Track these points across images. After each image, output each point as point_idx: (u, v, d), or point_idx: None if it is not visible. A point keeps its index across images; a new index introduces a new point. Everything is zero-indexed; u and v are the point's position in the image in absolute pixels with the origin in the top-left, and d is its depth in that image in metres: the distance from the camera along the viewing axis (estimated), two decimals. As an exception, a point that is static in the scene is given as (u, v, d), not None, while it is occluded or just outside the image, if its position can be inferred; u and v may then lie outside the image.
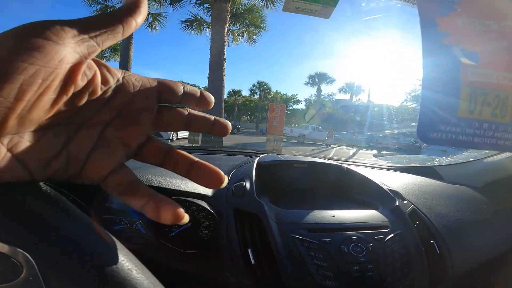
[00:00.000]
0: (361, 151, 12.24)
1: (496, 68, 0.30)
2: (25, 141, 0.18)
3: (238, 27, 10.51)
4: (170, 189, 0.53)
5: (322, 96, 34.56)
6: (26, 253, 0.22)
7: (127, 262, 0.21)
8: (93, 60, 0.19)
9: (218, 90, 7.06)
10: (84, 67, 0.17)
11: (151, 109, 0.22)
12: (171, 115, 0.23)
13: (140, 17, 0.19)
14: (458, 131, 0.30)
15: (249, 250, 0.46)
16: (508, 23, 0.30)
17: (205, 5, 9.43)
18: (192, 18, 10.31)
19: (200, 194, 0.54)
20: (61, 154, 0.20)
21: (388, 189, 0.62)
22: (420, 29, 0.30)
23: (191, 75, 74.42)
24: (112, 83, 0.20)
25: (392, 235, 0.50)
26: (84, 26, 0.17)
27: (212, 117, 0.25)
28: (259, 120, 34.03)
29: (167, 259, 0.51)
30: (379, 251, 0.47)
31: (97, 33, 0.17)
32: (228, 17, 7.37)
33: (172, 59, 77.57)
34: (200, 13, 10.21)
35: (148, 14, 11.38)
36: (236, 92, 35.23)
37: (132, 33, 8.88)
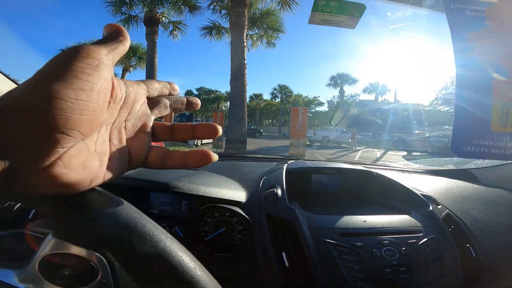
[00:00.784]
0: (389, 152, 11.76)
1: None
2: (98, 143, 0.23)
3: (257, 31, 10.64)
4: (207, 196, 0.56)
5: (345, 97, 33.71)
6: (101, 257, 0.25)
7: (191, 262, 0.24)
8: None
9: (241, 95, 7.18)
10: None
11: (143, 99, 0.28)
12: (159, 125, 0.30)
13: (128, 40, 0.25)
14: (491, 145, 0.30)
15: (283, 253, 0.48)
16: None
17: (223, 11, 9.66)
18: (211, 25, 10.59)
19: (234, 201, 0.57)
20: (124, 150, 0.26)
21: (421, 194, 0.62)
22: (451, 42, 0.31)
23: (212, 81, 76.33)
24: (123, 89, 0.25)
25: (425, 239, 0.50)
26: (107, 49, 0.22)
27: (193, 124, 0.30)
28: (281, 123, 33.93)
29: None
30: (412, 255, 0.47)
31: (112, 53, 0.22)
32: (246, 22, 7.49)
33: (193, 66, 79.99)
34: (218, 19, 10.49)
35: (169, 22, 11.87)
36: (257, 96, 35.48)
37: (156, 42, 9.28)
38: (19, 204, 0.51)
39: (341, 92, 32.47)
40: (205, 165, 0.28)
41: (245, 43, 7.43)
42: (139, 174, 0.63)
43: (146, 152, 0.27)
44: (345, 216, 0.54)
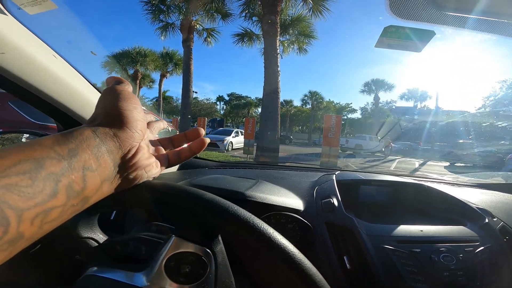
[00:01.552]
0: (429, 162, 11.00)
1: None
2: (143, 149, 0.33)
3: (288, 37, 10.65)
4: (269, 204, 0.61)
5: (380, 104, 32.26)
6: (209, 251, 0.29)
7: (295, 249, 0.29)
8: None
9: (274, 102, 7.23)
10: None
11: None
12: (161, 140, 0.41)
13: (129, 84, 0.34)
14: None
15: (344, 257, 0.53)
16: None
17: (254, 18, 9.79)
18: (243, 32, 10.77)
19: (294, 208, 0.62)
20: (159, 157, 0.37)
21: (476, 207, 0.63)
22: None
23: (243, 87, 77.57)
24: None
25: (482, 247, 0.52)
26: (127, 87, 0.33)
27: (185, 132, 0.42)
28: (311, 130, 33.38)
29: None
30: (469, 261, 0.50)
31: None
32: (278, 29, 7.55)
33: (225, 72, 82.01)
34: (250, 26, 10.69)
35: (203, 29, 12.25)
36: (287, 103, 35.33)
37: (191, 48, 9.64)
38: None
39: (376, 98, 31.14)
40: (203, 148, 0.40)
41: (278, 50, 7.51)
42: (209, 183, 0.71)
43: (166, 156, 0.38)
44: (401, 226, 0.58)
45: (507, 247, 0.54)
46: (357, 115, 37.28)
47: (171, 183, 0.33)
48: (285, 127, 34.85)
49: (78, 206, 0.25)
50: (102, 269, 0.32)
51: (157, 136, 0.42)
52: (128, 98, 0.31)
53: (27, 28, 0.46)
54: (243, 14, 9.84)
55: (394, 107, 34.04)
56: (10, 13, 0.42)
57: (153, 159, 0.34)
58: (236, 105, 37.89)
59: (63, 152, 0.24)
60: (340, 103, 36.28)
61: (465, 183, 1.02)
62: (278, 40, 7.56)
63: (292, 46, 10.86)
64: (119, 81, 0.34)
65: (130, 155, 0.29)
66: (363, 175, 0.85)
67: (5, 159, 0.20)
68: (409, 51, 0.57)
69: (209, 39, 12.41)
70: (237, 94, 39.70)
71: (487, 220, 0.59)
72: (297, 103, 36.25)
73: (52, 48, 0.52)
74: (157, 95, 25.38)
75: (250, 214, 0.30)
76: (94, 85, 0.64)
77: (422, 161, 11.40)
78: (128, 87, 0.33)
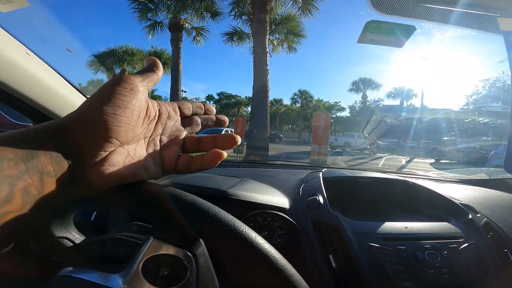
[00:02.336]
0: (415, 159, 11.29)
1: None
2: (137, 149, 0.30)
3: (277, 36, 10.70)
4: (253, 202, 0.61)
5: (368, 103, 32.87)
6: (189, 254, 0.28)
7: (277, 253, 0.27)
8: None
9: (264, 100, 7.25)
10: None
11: (176, 117, 0.34)
12: (189, 138, 0.35)
13: (160, 71, 0.32)
14: None
15: (330, 255, 0.53)
16: None
17: (244, 17, 9.80)
18: (232, 30, 10.74)
19: (279, 207, 0.61)
20: (158, 158, 0.32)
21: (460, 203, 0.64)
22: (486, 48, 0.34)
23: (233, 86, 77.22)
24: (156, 108, 0.31)
25: (466, 244, 0.53)
26: (142, 77, 0.29)
27: (214, 135, 0.36)
28: (301, 129, 33.66)
29: None
30: (454, 258, 0.50)
31: (146, 80, 0.29)
32: (268, 28, 7.57)
33: (214, 71, 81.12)
34: (239, 25, 10.67)
35: (192, 28, 12.16)
36: (277, 102, 35.46)
37: (180, 47, 9.58)
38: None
39: (364, 97, 31.72)
40: (218, 163, 0.34)
41: (267, 49, 7.52)
42: (192, 181, 0.70)
43: (176, 160, 0.33)
44: (387, 223, 0.58)
45: (492, 244, 0.54)
46: (345, 113, 37.89)
47: (148, 182, 0.31)
48: (275, 126, 35.01)
49: (36, 211, 0.23)
50: (77, 270, 0.31)
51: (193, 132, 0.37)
52: (116, 96, 0.26)
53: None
54: (233, 13, 9.82)
55: (381, 105, 34.72)
56: None
57: (138, 165, 0.30)
58: (226, 104, 37.74)
59: (22, 153, 0.22)
60: (329, 102, 36.82)
61: (449, 179, 1.04)
62: (267, 39, 7.58)
63: (281, 45, 10.91)
64: (151, 65, 0.31)
65: (93, 162, 0.26)
66: (350, 172, 0.85)
67: None
68: (391, 47, 0.57)
69: (198, 38, 12.29)
70: (227, 93, 39.53)
71: (470, 216, 0.59)
72: (287, 102, 36.49)
73: (25, 46, 0.50)
74: (145, 94, 24.94)
75: (232, 216, 0.29)
76: (73, 84, 0.62)
77: (408, 158, 11.67)
78: (145, 78, 0.29)
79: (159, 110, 0.32)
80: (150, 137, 0.31)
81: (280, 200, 0.65)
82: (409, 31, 0.54)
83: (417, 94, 32.54)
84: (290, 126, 41.66)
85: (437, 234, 0.55)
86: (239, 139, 0.34)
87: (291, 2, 9.01)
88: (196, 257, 0.29)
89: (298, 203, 0.65)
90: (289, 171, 1.02)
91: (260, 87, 7.15)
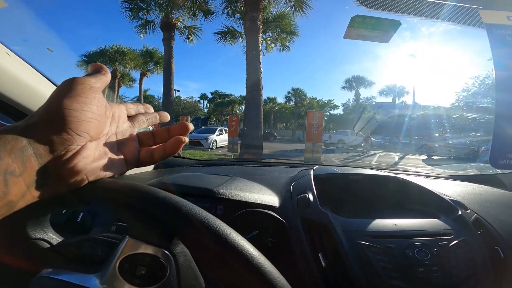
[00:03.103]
0: (408, 156, 11.43)
1: None
2: (103, 146, 0.31)
3: (270, 35, 10.70)
4: (244, 201, 0.60)
5: (361, 100, 33.14)
6: (168, 253, 0.28)
7: (255, 251, 0.26)
8: None
9: (257, 99, 7.24)
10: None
11: (125, 116, 0.36)
12: (142, 134, 0.37)
13: (108, 73, 0.32)
14: None
15: (319, 254, 0.52)
16: None
17: (236, 16, 9.78)
18: (225, 29, 10.72)
19: (268, 205, 0.60)
20: (119, 153, 0.34)
21: (449, 199, 0.64)
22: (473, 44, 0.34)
23: (226, 85, 76.91)
24: (109, 107, 0.32)
25: (456, 241, 0.52)
26: (94, 78, 0.30)
27: (167, 127, 0.37)
28: (295, 127, 33.76)
29: None
30: (444, 256, 0.50)
31: (99, 81, 0.30)
32: (261, 26, 7.57)
33: (208, 70, 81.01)
34: (232, 23, 10.64)
35: (185, 27, 12.10)
36: (271, 100, 35.51)
37: (172, 46, 9.52)
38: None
39: (357, 95, 31.98)
40: (179, 149, 0.36)
41: (260, 47, 7.51)
42: (179, 180, 0.68)
43: (137, 154, 0.35)
44: (376, 220, 0.57)
45: (482, 240, 0.54)
46: (339, 111, 38.13)
47: (121, 181, 0.31)
48: (269, 124, 35.03)
49: (2, 211, 0.23)
50: (56, 271, 0.31)
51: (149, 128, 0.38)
52: (80, 94, 0.27)
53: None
54: (225, 11, 9.77)
55: (374, 102, 35.03)
56: None
57: (105, 160, 0.31)
58: (220, 103, 37.60)
59: None
60: (323, 100, 36.96)
61: (440, 175, 1.05)
62: (260, 37, 7.56)
63: (274, 44, 10.91)
64: (98, 69, 0.32)
65: (65, 158, 0.26)
66: (341, 169, 0.85)
67: None
68: (379, 43, 0.57)
69: (190, 37, 12.23)
70: (220, 92, 39.40)
71: (460, 212, 0.59)
72: (280, 100, 36.57)
73: (5, 46, 0.50)
74: (137, 94, 24.76)
75: (207, 213, 0.28)
76: (56, 84, 0.61)
77: (401, 155, 11.81)
78: (97, 80, 0.30)
79: (111, 109, 0.34)
80: (107, 134, 0.33)
81: (269, 198, 0.64)
82: (394, 25, 0.54)
83: (408, 91, 32.94)
84: (284, 124, 41.76)
85: (427, 231, 0.54)
86: (191, 126, 0.36)
87: (283, 1, 9.02)
88: (175, 256, 0.29)
89: (287, 201, 0.64)
90: (281, 169, 1.01)
91: (253, 86, 7.14)
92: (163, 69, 12.19)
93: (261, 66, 7.31)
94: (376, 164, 8.19)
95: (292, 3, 8.91)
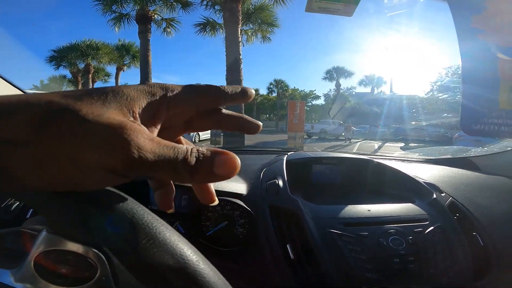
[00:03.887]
0: (386, 144, 11.81)
1: None
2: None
3: (251, 26, 10.57)
4: None
5: (341, 90, 33.70)
6: (99, 253, 0.24)
7: (194, 255, 0.22)
8: None
9: (237, 91, 7.16)
10: None
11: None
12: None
13: None
14: (500, 122, 0.31)
15: (287, 245, 0.48)
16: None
17: (216, 7, 9.57)
18: (205, 21, 10.48)
19: (235, 193, 0.56)
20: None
21: (424, 182, 0.62)
22: (454, 27, 0.31)
23: (207, 78, 75.69)
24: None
25: (432, 227, 0.49)
26: None
27: (244, 116, 0.28)
28: (278, 118, 33.90)
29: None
30: (420, 244, 0.47)
31: None
32: (240, 17, 7.44)
33: (188, 63, 79.18)
34: (212, 15, 10.38)
35: (162, 19, 11.74)
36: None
37: (149, 40, 9.18)
38: (17, 203, 0.50)
39: (337, 85, 32.51)
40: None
41: (240, 39, 7.37)
42: None
43: None
44: (349, 206, 0.54)
45: (459, 226, 0.52)
46: (321, 101, 38.64)
47: None
48: (252, 116, 34.57)
49: None
50: None
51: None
52: None
53: None
54: (204, 2, 9.48)
55: (354, 93, 35.83)
56: None
57: None
58: (202, 97, 36.89)
59: None
60: (305, 90, 37.29)
61: (415, 159, 1.05)
62: (239, 29, 7.41)
63: (255, 35, 10.77)
64: None
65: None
66: (315, 153, 0.82)
67: None
68: (341, 16, 0.53)
69: (169, 30, 11.80)
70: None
71: (435, 196, 0.57)
72: (263, 91, 36.50)
73: None
74: (113, 89, 23.78)
75: (137, 207, 0.23)
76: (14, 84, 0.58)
77: (381, 143, 12.18)
78: None
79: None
80: None
81: (237, 186, 0.59)
82: None
83: (386, 81, 33.94)
84: (267, 115, 41.80)
85: (402, 217, 0.51)
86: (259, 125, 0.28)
87: (264, -9, 8.87)
88: (107, 256, 0.25)
89: (256, 188, 0.59)
90: (257, 156, 0.97)
91: (233, 78, 7.03)
92: (139, 63, 11.73)
93: (241, 57, 7.18)
94: (357, 152, 8.39)
95: (273, -6, 8.79)
